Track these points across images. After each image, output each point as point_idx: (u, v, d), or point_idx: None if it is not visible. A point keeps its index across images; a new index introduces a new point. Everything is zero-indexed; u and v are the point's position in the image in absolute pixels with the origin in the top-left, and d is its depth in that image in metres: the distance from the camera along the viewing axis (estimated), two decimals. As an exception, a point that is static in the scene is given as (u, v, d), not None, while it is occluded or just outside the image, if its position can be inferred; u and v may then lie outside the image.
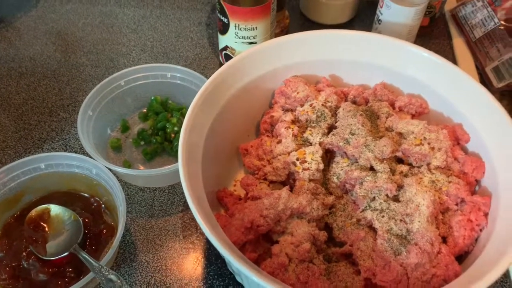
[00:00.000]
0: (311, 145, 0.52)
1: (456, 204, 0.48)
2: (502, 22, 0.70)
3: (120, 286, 0.44)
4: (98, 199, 0.55)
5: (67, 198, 0.55)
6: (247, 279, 0.44)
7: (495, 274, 0.38)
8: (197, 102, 0.49)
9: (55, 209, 0.53)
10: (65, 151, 0.62)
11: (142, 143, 0.61)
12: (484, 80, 0.71)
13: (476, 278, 0.38)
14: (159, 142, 0.61)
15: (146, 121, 0.64)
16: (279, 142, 0.53)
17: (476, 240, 0.46)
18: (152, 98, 0.64)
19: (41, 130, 0.64)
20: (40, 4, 0.82)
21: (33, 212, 0.52)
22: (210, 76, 0.52)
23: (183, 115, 0.59)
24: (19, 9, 0.81)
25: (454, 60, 0.74)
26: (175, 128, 0.61)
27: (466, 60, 0.74)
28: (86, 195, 0.55)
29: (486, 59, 0.71)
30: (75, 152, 0.61)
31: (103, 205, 0.55)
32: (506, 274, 0.52)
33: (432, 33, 0.78)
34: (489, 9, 0.72)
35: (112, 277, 0.44)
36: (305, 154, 0.51)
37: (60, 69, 0.72)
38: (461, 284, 0.39)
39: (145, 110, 0.65)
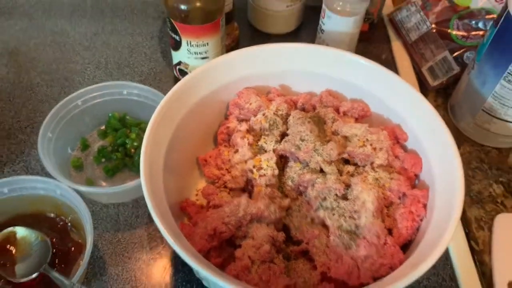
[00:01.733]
0: (266, 152, 0.56)
1: (399, 198, 0.53)
2: (433, 26, 0.76)
3: (93, 300, 0.46)
4: (63, 218, 0.57)
5: (32, 220, 0.56)
6: (213, 283, 0.47)
7: (434, 257, 0.42)
8: (155, 119, 0.52)
9: (21, 232, 0.54)
10: (26, 173, 0.63)
11: (103, 160, 0.63)
12: (421, 80, 0.77)
13: (418, 262, 0.43)
14: (119, 158, 0.63)
15: (106, 138, 0.65)
16: (236, 151, 0.57)
17: (418, 229, 0.51)
18: (110, 115, 0.66)
19: (0, 153, 0.65)
20: (-10, 23, 0.82)
21: (-1, 236, 0.53)
22: (166, 90, 0.55)
23: (142, 130, 0.61)
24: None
25: (393, 62, 0.80)
26: (135, 143, 0.63)
27: (404, 62, 0.80)
28: (51, 215, 0.57)
29: (421, 60, 0.77)
30: (37, 173, 0.62)
31: (69, 224, 0.56)
32: (447, 257, 0.57)
33: (373, 38, 0.83)
34: (422, 13, 0.78)
35: (85, 292, 0.47)
36: (260, 161, 0.55)
37: (14, 91, 0.72)
38: (405, 269, 0.44)
39: (103, 128, 0.66)
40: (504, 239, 0.60)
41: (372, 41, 0.83)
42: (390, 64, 0.80)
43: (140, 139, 0.62)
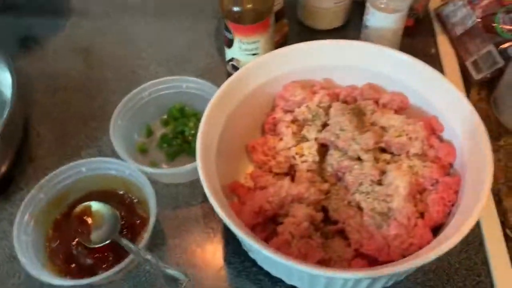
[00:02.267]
0: (308, 141, 0.62)
1: (432, 185, 0.56)
2: (479, 20, 0.77)
3: (155, 263, 0.53)
4: (130, 195, 0.65)
5: (105, 196, 0.64)
6: (258, 253, 0.53)
7: (457, 238, 0.46)
8: (210, 110, 0.59)
9: (95, 206, 0.62)
10: (99, 156, 0.72)
11: (165, 145, 0.71)
12: (465, 73, 0.79)
13: (443, 242, 0.47)
14: (179, 144, 0.70)
15: (167, 126, 0.73)
16: (281, 139, 0.63)
17: (449, 214, 0.55)
18: (171, 106, 0.74)
19: (77, 138, 0.74)
20: (69, 23, 0.92)
21: (77, 209, 0.62)
22: (219, 83, 0.61)
23: (198, 120, 0.68)
24: (50, 30, 0.91)
25: (438, 56, 0.82)
26: (192, 131, 0.70)
27: (448, 56, 0.82)
28: (121, 192, 0.65)
29: (466, 53, 0.79)
30: (107, 156, 0.71)
31: (135, 200, 0.65)
32: (480, 243, 0.60)
33: (418, 32, 0.85)
34: (468, 7, 0.80)
35: (149, 257, 0.54)
36: (303, 149, 0.60)
37: (89, 83, 0.82)
38: (431, 247, 0.48)
39: (165, 117, 0.74)
40: (540, 228, 0.61)
41: (417, 35, 0.85)
42: (435, 57, 0.82)
43: (197, 127, 0.69)
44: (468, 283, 0.57)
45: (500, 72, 0.75)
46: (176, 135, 0.71)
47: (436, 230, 0.54)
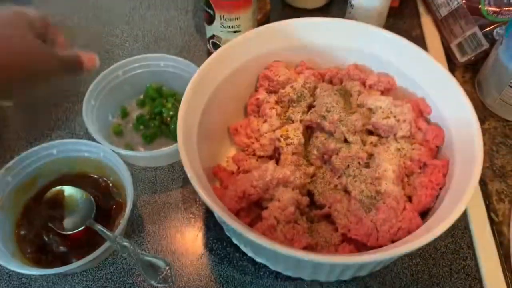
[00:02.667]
0: (293, 122, 0.59)
1: (420, 168, 0.55)
2: (464, 1, 0.76)
3: (133, 250, 0.51)
4: (106, 179, 0.62)
5: (78, 180, 0.61)
6: (243, 239, 0.51)
7: (447, 223, 0.45)
8: (190, 90, 0.55)
9: (68, 190, 0.59)
10: (71, 137, 0.68)
11: (142, 127, 0.68)
12: (450, 55, 0.78)
13: (433, 227, 0.46)
14: (156, 126, 0.67)
15: (144, 107, 0.70)
16: (265, 121, 0.60)
17: (437, 197, 0.53)
18: (148, 85, 0.70)
19: (48, 120, 0.70)
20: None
21: (49, 194, 0.58)
22: (199, 62, 0.58)
23: (177, 100, 0.65)
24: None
25: (422, 37, 0.81)
26: (171, 112, 0.67)
27: (433, 37, 0.80)
28: (95, 176, 0.62)
29: (451, 35, 0.78)
30: (81, 138, 0.68)
31: (111, 184, 0.61)
32: (466, 226, 0.60)
33: (403, 13, 0.84)
34: (453, -11, 0.79)
35: (126, 244, 0.51)
36: (288, 131, 0.58)
37: (60, 62, 0.77)
38: (421, 232, 0.47)
39: (142, 97, 0.71)
40: (524, 211, 0.61)
41: (402, 16, 0.84)
42: (419, 39, 0.81)
43: (175, 108, 0.66)
44: (454, 267, 0.56)
45: (485, 54, 0.74)
46: (153, 116, 0.68)
47: (423, 214, 0.53)
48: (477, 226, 0.60)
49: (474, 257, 0.57)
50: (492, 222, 0.61)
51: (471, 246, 0.58)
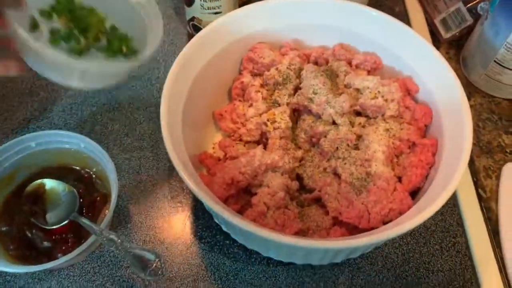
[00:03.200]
0: (279, 106, 0.58)
1: (409, 148, 0.55)
2: (448, -24, 0.75)
3: (121, 243, 0.49)
4: (88, 170, 0.60)
5: (59, 172, 0.59)
6: (234, 227, 0.50)
7: (440, 202, 0.44)
8: (172, 75, 0.53)
9: (49, 183, 0.57)
10: (50, 128, 0.65)
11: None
12: (434, 32, 0.77)
13: (425, 207, 0.45)
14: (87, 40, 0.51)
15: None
16: (251, 105, 0.59)
17: (427, 177, 0.53)
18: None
19: (24, 110, 0.67)
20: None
21: (29, 188, 0.56)
22: (180, 46, 0.57)
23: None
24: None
25: (406, 14, 0.80)
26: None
27: (417, 13, 0.79)
28: (77, 167, 0.60)
29: (434, 11, 0.77)
30: (60, 128, 0.65)
31: (94, 176, 0.59)
32: (454, 204, 0.60)
33: (385, -11, 0.83)
34: (436, -37, 0.77)
35: (112, 237, 0.50)
36: (274, 114, 0.57)
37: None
38: (413, 213, 0.47)
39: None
40: (511, 187, 0.62)
41: (385, -7, 0.82)
42: (403, 16, 0.80)
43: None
44: (444, 244, 0.56)
45: (469, 30, 0.73)
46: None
47: (413, 194, 0.53)
48: (465, 203, 0.60)
49: (464, 234, 0.57)
50: (480, 198, 0.61)
51: (460, 223, 0.58)
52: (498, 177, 0.63)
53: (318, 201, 0.54)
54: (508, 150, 0.66)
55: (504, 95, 0.70)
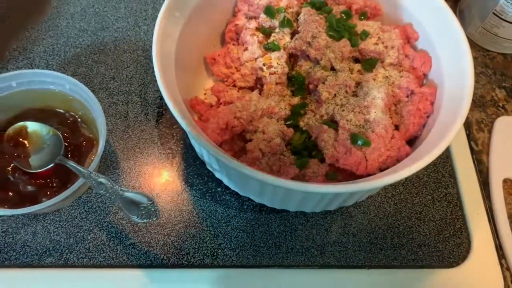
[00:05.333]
0: (275, 50, 0.56)
1: (407, 96, 0.54)
2: None
3: (111, 186, 0.47)
4: (73, 113, 0.57)
5: (42, 115, 0.56)
6: (228, 170, 0.49)
7: (436, 153, 0.44)
8: (163, 15, 0.50)
9: (32, 126, 0.54)
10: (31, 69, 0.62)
11: None
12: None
13: (422, 156, 0.45)
14: None
15: None
16: (246, 49, 0.56)
17: (424, 126, 0.52)
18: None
19: (2, 49, 0.63)
20: None
21: (11, 130, 0.53)
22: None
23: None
24: None
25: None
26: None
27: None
28: (61, 110, 0.57)
29: (433, -38, 0.75)
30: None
31: (79, 119, 0.57)
32: (447, 156, 0.60)
33: None
34: None
35: (102, 180, 0.48)
36: (271, 59, 0.55)
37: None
38: (410, 161, 0.46)
39: None
40: (503, 140, 0.62)
41: None
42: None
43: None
44: (436, 195, 0.57)
45: (468, -19, 0.72)
46: None
47: (410, 142, 0.52)
48: (458, 155, 0.60)
49: (455, 185, 0.57)
50: (472, 151, 0.61)
51: (452, 174, 0.58)
52: (490, 131, 0.63)
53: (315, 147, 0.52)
54: (501, 104, 0.66)
55: (499, 49, 0.69)
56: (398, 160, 0.48)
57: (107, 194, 0.47)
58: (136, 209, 0.46)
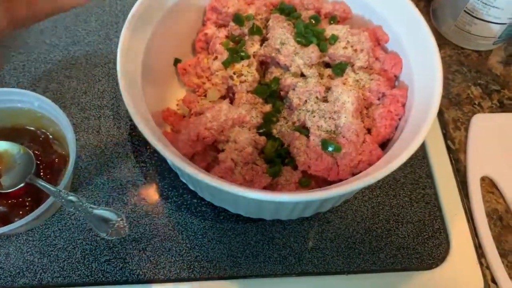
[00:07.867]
0: (246, 58, 0.55)
1: (378, 99, 0.53)
2: None
3: (81, 204, 0.47)
4: (44, 130, 0.56)
5: (13, 134, 0.55)
6: (199, 183, 0.48)
7: (407, 153, 0.43)
8: (128, 25, 0.50)
9: (2, 145, 0.53)
10: (1, 87, 0.61)
11: None
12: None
13: (394, 158, 0.44)
14: None
15: None
16: (216, 58, 0.56)
17: (396, 128, 0.52)
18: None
19: (-29, 69, 0.63)
20: None
21: (-20, 151, 0.53)
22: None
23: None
24: None
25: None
26: None
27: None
28: (31, 128, 0.56)
29: (405, -39, 0.75)
30: (13, 87, 0.61)
31: (50, 136, 0.56)
32: (424, 156, 0.60)
33: None
34: None
35: (72, 198, 0.47)
36: (241, 67, 0.54)
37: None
38: (382, 164, 0.46)
39: None
40: (479, 138, 0.62)
41: None
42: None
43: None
44: (414, 196, 0.56)
45: (439, -20, 0.72)
46: None
47: (383, 145, 0.52)
48: (435, 155, 0.59)
49: (433, 186, 0.57)
50: (449, 150, 0.61)
51: (430, 175, 0.58)
52: (466, 129, 0.63)
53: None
54: (476, 102, 0.65)
55: (473, 46, 0.69)
56: (370, 164, 0.48)
57: (77, 212, 0.46)
58: (106, 226, 0.46)
